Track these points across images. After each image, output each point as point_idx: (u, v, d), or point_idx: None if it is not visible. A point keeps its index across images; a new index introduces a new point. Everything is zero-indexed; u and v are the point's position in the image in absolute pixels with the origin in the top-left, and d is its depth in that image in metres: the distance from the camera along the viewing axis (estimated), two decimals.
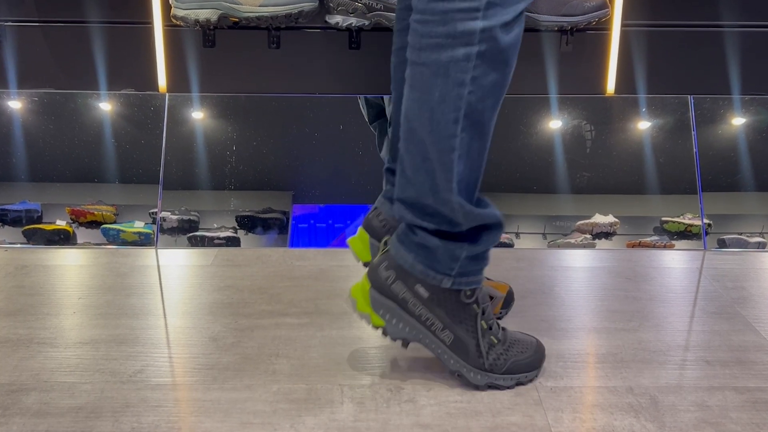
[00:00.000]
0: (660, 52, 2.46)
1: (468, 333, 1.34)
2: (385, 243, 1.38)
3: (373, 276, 1.36)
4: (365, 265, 1.53)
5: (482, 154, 1.27)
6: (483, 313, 1.35)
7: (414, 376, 1.40)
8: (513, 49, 1.22)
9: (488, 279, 1.64)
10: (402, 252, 1.34)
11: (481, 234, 1.31)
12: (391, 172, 1.50)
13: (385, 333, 1.36)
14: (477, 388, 1.35)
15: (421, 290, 1.33)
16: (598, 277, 1.91)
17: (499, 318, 1.63)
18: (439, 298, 1.33)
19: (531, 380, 1.38)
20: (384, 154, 1.96)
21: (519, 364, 1.36)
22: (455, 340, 1.34)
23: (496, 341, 1.36)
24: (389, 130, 1.54)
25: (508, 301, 1.65)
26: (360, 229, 1.57)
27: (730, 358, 1.49)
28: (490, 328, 1.36)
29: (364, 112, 2.08)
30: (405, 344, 1.37)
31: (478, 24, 1.17)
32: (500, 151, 2.35)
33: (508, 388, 1.36)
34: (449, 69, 1.19)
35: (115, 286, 1.81)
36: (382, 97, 2.03)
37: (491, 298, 1.60)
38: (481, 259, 1.34)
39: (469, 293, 1.34)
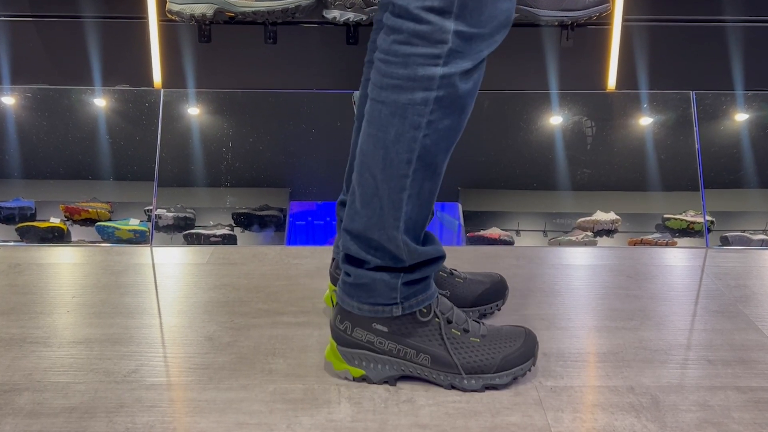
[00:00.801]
0: (661, 48, 2.47)
1: (441, 347, 1.35)
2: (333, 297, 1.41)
3: (334, 333, 1.39)
4: None
5: (433, 194, 1.29)
6: (449, 322, 1.36)
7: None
8: (470, 96, 1.24)
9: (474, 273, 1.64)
10: (346, 299, 1.36)
11: (421, 267, 1.33)
12: (344, 205, 1.52)
13: (368, 380, 1.38)
14: (476, 391, 1.35)
15: (380, 327, 1.35)
16: (599, 275, 1.91)
17: (498, 310, 1.63)
18: (399, 328, 1.35)
19: (528, 371, 1.38)
20: None
21: (510, 359, 1.36)
22: (433, 359, 1.35)
23: (478, 341, 1.36)
24: (348, 161, 1.56)
25: (501, 290, 1.64)
26: (329, 284, 1.63)
27: (732, 358, 1.49)
28: (467, 331, 1.36)
29: (356, 110, 2.10)
30: (393, 382, 1.38)
31: (439, 70, 1.19)
32: (500, 147, 2.35)
33: (507, 385, 1.36)
34: (406, 111, 1.21)
35: (109, 285, 1.81)
36: None
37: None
38: (419, 282, 1.34)
39: (424, 311, 1.35)
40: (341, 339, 1.38)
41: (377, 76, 1.24)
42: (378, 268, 1.32)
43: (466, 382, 1.35)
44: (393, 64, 1.21)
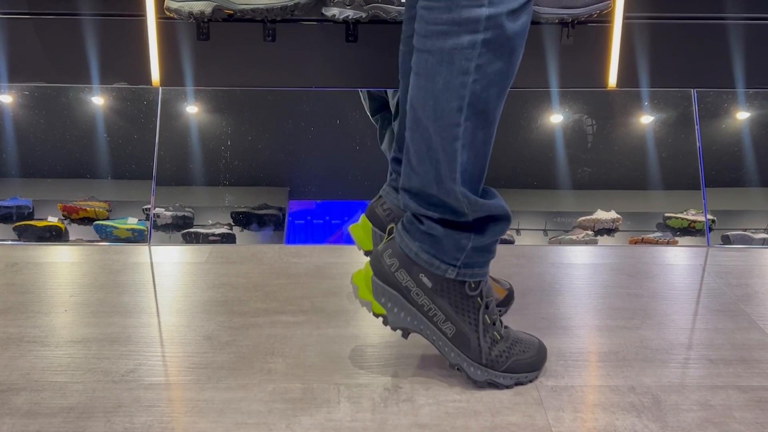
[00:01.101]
0: (663, 45, 2.46)
1: (470, 326, 1.34)
2: (390, 231, 1.38)
3: (376, 264, 1.36)
4: (366, 254, 1.53)
5: (487, 144, 1.27)
6: (487, 307, 1.35)
7: (412, 374, 1.39)
8: (520, 38, 1.21)
9: (492, 278, 1.64)
10: (407, 240, 1.33)
11: (488, 225, 1.31)
12: (397, 161, 1.50)
13: (385, 322, 1.36)
14: (475, 383, 1.35)
15: (425, 280, 1.33)
16: (600, 274, 1.91)
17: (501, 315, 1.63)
18: (443, 289, 1.33)
19: (531, 381, 1.38)
20: (385, 146, 1.96)
21: (520, 364, 1.36)
22: (457, 332, 1.34)
23: (499, 337, 1.36)
24: (396, 121, 1.54)
25: (508, 300, 1.65)
26: (362, 216, 1.56)
27: (733, 357, 1.49)
28: (494, 324, 1.36)
29: (366, 104, 2.08)
30: (405, 334, 1.37)
31: (484, 11, 1.16)
32: (500, 146, 2.33)
33: (507, 387, 1.36)
34: (453, 56, 1.19)
35: (107, 284, 1.81)
36: (385, 90, 2.02)
37: None
38: (487, 251, 1.33)
39: (473, 285, 1.34)
40: (381, 273, 1.34)
41: (422, 24, 1.21)
42: (446, 224, 1.29)
43: (472, 370, 1.34)
44: (436, 9, 1.18)
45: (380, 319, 1.36)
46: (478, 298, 1.34)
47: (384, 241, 1.38)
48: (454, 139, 1.23)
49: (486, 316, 1.35)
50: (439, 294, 1.33)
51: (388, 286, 1.34)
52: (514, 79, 1.28)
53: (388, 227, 1.40)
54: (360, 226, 1.57)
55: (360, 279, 1.37)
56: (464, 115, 1.22)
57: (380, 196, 1.56)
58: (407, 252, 1.33)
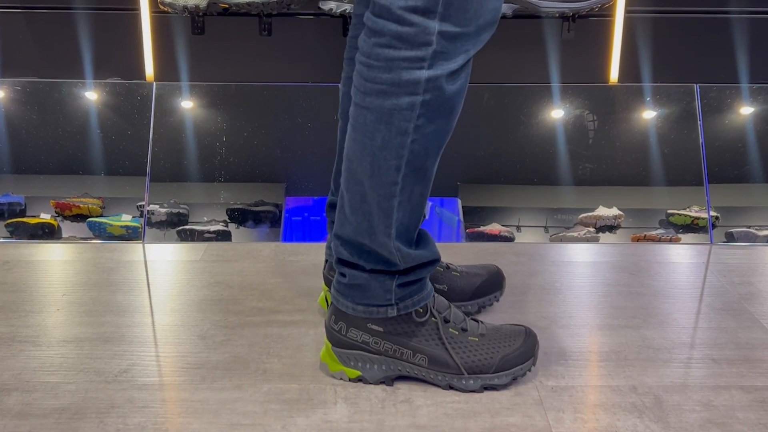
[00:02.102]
0: (665, 40, 2.46)
1: (439, 347, 1.34)
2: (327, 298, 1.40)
3: (329, 334, 1.39)
4: None
5: (424, 197, 1.28)
6: (446, 321, 1.36)
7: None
8: (459, 97, 1.22)
9: (465, 270, 1.64)
10: (341, 299, 1.35)
11: (415, 270, 1.32)
12: (333, 207, 1.52)
13: (365, 381, 1.37)
14: (475, 392, 1.34)
15: (375, 327, 1.34)
16: (601, 272, 1.91)
17: (497, 301, 1.63)
18: (396, 328, 1.34)
19: (528, 371, 1.37)
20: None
21: (509, 358, 1.35)
22: (430, 359, 1.34)
23: (477, 340, 1.35)
24: (335, 161, 1.55)
25: (494, 284, 1.64)
26: (323, 286, 1.61)
27: (737, 356, 1.49)
28: (465, 330, 1.36)
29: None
30: (390, 382, 1.37)
31: (424, 73, 1.16)
32: (500, 142, 2.34)
33: (506, 386, 1.35)
34: (393, 116, 1.19)
35: (100, 282, 1.80)
36: None
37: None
38: (415, 282, 1.34)
39: (420, 311, 1.34)
40: (336, 340, 1.37)
41: (360, 80, 1.21)
42: (372, 271, 1.31)
43: (464, 382, 1.34)
44: (376, 68, 1.18)
45: (360, 381, 1.37)
46: (432, 319, 1.35)
47: (328, 309, 1.40)
48: (391, 197, 1.24)
49: (450, 329, 1.35)
50: (395, 333, 1.34)
51: (349, 348, 1.36)
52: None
53: (326, 296, 1.42)
54: (323, 297, 1.63)
55: (325, 356, 1.40)
56: (402, 174, 1.22)
57: (326, 260, 1.59)
58: (345, 310, 1.35)
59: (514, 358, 1.35)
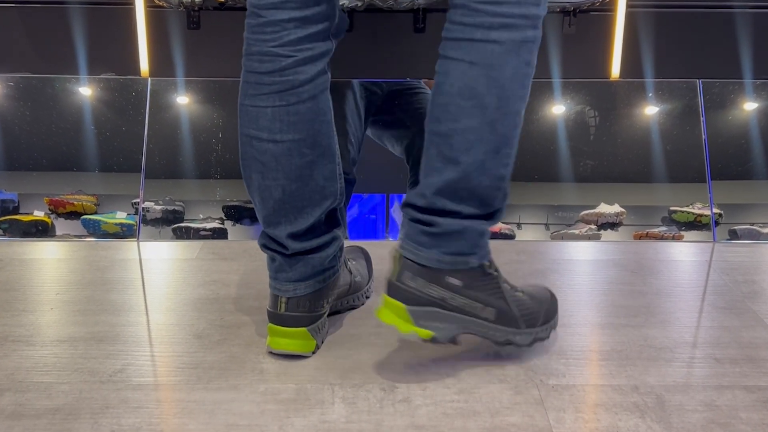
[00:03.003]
0: (667, 34, 2.46)
1: (502, 300, 1.39)
2: (399, 257, 1.37)
3: (401, 294, 1.36)
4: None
5: None
6: (500, 275, 1.41)
7: (408, 374, 1.39)
8: None
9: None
10: (422, 252, 1.34)
11: (496, 215, 1.38)
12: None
13: (435, 340, 1.37)
14: (526, 347, 1.42)
15: (454, 281, 1.35)
16: (603, 270, 1.91)
17: None
18: (471, 281, 1.36)
19: (554, 329, 1.48)
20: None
21: (549, 311, 1.45)
22: (498, 313, 1.38)
23: (521, 294, 1.42)
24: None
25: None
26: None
27: (740, 356, 1.49)
28: (512, 287, 1.42)
29: (393, 148, 2.23)
30: (454, 340, 1.39)
31: (541, 10, 1.30)
32: None
33: (547, 338, 1.45)
34: (521, 48, 1.29)
35: (95, 281, 1.80)
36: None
37: None
38: (488, 233, 1.40)
39: (488, 263, 1.39)
40: (411, 298, 1.35)
41: (483, 17, 1.27)
42: (469, 216, 1.34)
43: (519, 338, 1.40)
44: (506, 3, 1.26)
45: (432, 341, 1.37)
46: (495, 272, 1.39)
47: (395, 269, 1.37)
48: (515, 126, 1.33)
49: (506, 284, 1.40)
50: (470, 287, 1.36)
51: (426, 306, 1.35)
52: None
53: (394, 255, 1.38)
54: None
55: (390, 316, 1.36)
56: (525, 103, 1.33)
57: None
58: (427, 263, 1.34)
59: (551, 311, 1.46)
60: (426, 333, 1.35)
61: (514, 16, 1.27)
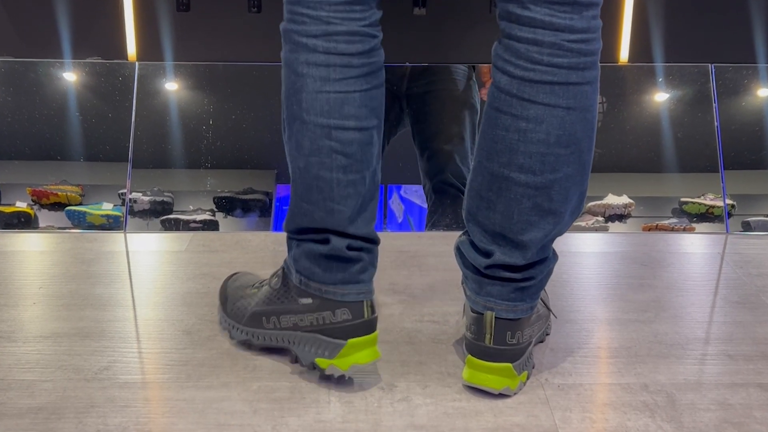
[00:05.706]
0: (678, 17, 2.45)
1: (542, 304, 1.45)
2: (491, 319, 1.32)
3: (506, 355, 1.31)
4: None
5: None
6: None
7: (408, 373, 1.39)
8: None
9: None
10: (519, 306, 1.32)
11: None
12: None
13: (528, 377, 1.38)
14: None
15: (534, 315, 1.36)
16: (611, 264, 1.91)
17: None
18: (537, 310, 1.38)
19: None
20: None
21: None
22: (545, 315, 1.47)
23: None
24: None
25: None
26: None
27: (754, 352, 1.49)
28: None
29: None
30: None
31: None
32: None
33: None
34: (597, 82, 1.28)
35: (79, 275, 1.80)
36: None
37: None
38: None
39: None
40: (515, 355, 1.32)
41: (577, 57, 1.23)
42: (553, 256, 1.36)
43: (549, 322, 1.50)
44: (592, 41, 1.25)
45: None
46: None
47: (487, 336, 1.32)
48: (590, 165, 1.31)
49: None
50: (539, 316, 1.42)
51: (524, 355, 1.34)
52: None
53: (481, 320, 1.33)
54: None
55: (498, 381, 1.31)
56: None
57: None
58: (521, 316, 1.32)
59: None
60: (524, 377, 1.35)
61: (596, 53, 1.26)
